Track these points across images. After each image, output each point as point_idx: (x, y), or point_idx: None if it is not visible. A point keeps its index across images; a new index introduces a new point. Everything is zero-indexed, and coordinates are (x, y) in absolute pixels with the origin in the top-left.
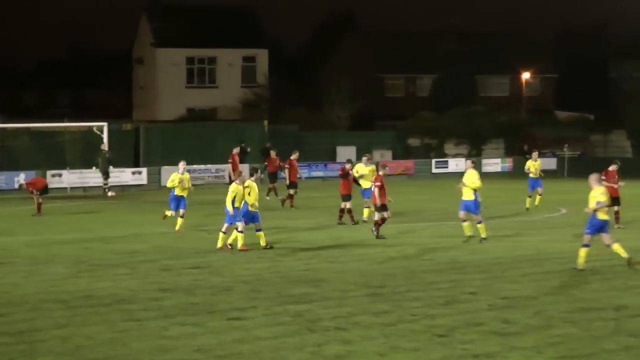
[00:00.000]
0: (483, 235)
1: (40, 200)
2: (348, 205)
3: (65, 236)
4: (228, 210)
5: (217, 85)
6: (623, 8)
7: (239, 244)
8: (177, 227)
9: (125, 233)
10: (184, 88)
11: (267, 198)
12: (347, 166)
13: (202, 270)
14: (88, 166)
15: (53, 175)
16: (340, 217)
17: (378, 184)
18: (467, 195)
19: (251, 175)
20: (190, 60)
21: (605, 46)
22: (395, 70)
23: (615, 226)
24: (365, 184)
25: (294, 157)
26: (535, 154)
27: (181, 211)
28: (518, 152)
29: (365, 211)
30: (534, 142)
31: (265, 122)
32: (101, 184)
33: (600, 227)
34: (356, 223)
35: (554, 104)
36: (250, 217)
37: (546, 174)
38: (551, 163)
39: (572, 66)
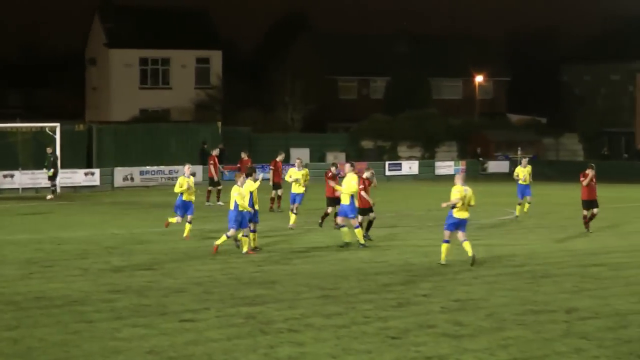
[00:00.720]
0: (361, 241)
1: None
2: (330, 210)
3: (16, 237)
4: (246, 211)
5: (171, 86)
6: (574, 12)
7: (215, 244)
8: (185, 234)
9: (77, 234)
10: (137, 89)
11: None
12: (333, 169)
13: (154, 271)
14: (40, 167)
15: (5, 176)
16: (336, 222)
17: (362, 186)
18: (344, 199)
19: (249, 175)
20: (143, 61)
21: (557, 49)
22: (348, 73)
23: (585, 230)
24: (297, 189)
25: (279, 158)
26: (525, 161)
27: (189, 217)
28: (471, 155)
29: (292, 217)
30: (487, 145)
31: (219, 124)
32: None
33: (457, 225)
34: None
35: (506, 107)
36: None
37: (499, 177)
38: (504, 166)
39: (525, 69)
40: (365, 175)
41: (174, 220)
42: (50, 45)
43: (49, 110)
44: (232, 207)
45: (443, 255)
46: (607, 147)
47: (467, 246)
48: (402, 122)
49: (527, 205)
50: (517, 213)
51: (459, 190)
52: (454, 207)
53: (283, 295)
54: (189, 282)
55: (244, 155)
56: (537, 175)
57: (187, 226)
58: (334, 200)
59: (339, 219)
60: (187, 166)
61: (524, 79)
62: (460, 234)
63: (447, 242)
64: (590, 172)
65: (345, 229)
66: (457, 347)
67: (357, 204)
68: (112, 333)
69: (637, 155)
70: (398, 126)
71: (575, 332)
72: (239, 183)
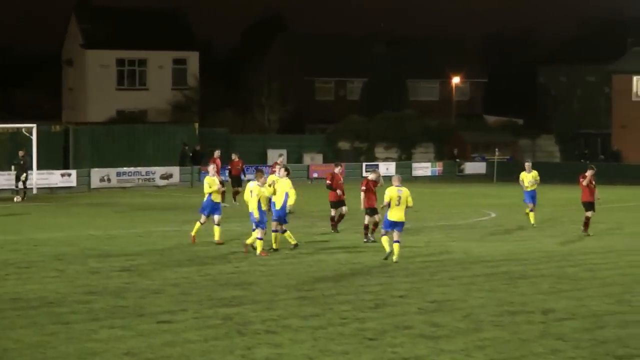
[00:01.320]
0: (292, 242)
1: None
2: (333, 212)
3: None
4: (254, 215)
5: (148, 87)
6: (551, 13)
7: (258, 250)
8: (216, 237)
9: (53, 235)
10: (114, 90)
11: (235, 203)
12: (337, 170)
13: (131, 273)
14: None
15: None
16: (333, 224)
17: (363, 187)
18: (279, 203)
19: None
20: (120, 62)
21: (534, 51)
22: (325, 74)
23: (582, 233)
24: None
25: (279, 159)
26: (528, 165)
27: (217, 219)
28: (447, 156)
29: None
30: (464, 146)
31: (196, 125)
32: (25, 187)
33: (393, 225)
34: (337, 232)
35: (483, 109)
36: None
37: (476, 178)
38: (480, 167)
39: (501, 71)
40: (371, 177)
41: (197, 224)
42: (26, 45)
43: (25, 111)
44: (265, 207)
45: (386, 246)
46: (586, 149)
47: (396, 248)
48: (379, 123)
49: (531, 215)
50: (532, 221)
51: (390, 191)
52: (389, 207)
53: (260, 296)
54: (166, 284)
55: (234, 157)
56: (513, 176)
57: (217, 229)
58: (337, 204)
59: (274, 224)
60: (211, 166)
61: (501, 81)
62: (395, 234)
63: (385, 235)
64: (589, 173)
65: (288, 233)
66: (433, 348)
67: (363, 205)
68: (89, 334)
69: (613, 156)
70: (375, 127)
71: (552, 333)
72: (259, 183)
